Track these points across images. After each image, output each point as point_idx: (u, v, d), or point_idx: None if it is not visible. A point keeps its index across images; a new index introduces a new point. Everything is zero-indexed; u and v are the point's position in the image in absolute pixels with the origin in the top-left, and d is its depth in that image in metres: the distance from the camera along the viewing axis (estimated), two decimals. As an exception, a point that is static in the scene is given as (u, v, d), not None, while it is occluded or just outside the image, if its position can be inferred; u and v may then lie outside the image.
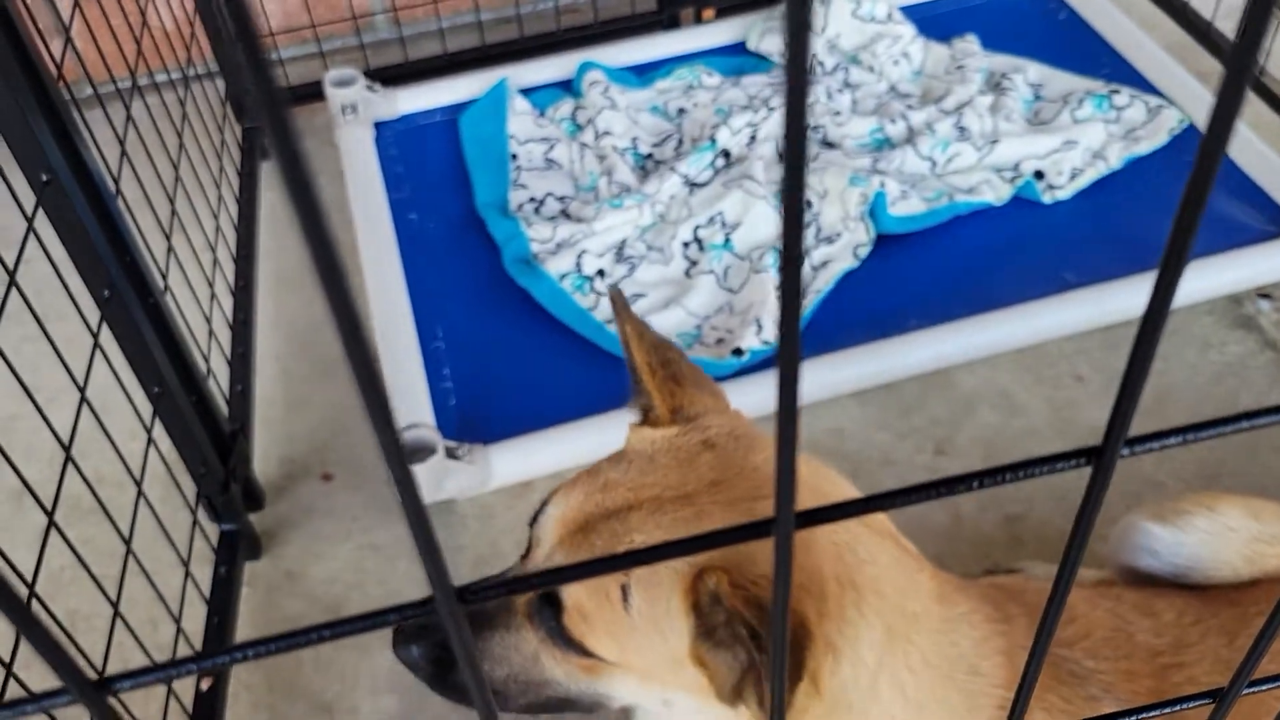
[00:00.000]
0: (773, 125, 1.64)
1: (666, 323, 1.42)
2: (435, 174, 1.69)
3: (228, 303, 1.48)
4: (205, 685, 1.13)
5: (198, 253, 1.38)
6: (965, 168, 1.60)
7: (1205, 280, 1.41)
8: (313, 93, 1.76)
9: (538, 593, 0.70)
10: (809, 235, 1.51)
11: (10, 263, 0.87)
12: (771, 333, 1.38)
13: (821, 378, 1.33)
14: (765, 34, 1.84)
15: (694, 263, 1.51)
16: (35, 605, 0.86)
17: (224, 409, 1.30)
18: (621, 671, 0.69)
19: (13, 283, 0.87)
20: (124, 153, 1.16)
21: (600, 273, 1.49)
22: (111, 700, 0.29)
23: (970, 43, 1.79)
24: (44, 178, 0.94)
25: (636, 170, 1.64)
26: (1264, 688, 0.42)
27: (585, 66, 1.79)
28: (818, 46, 1.80)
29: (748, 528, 0.29)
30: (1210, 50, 1.70)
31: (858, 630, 0.64)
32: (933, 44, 1.81)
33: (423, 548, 0.26)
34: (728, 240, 1.51)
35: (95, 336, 0.99)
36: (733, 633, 0.62)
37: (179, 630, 1.09)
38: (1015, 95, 1.67)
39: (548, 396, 1.36)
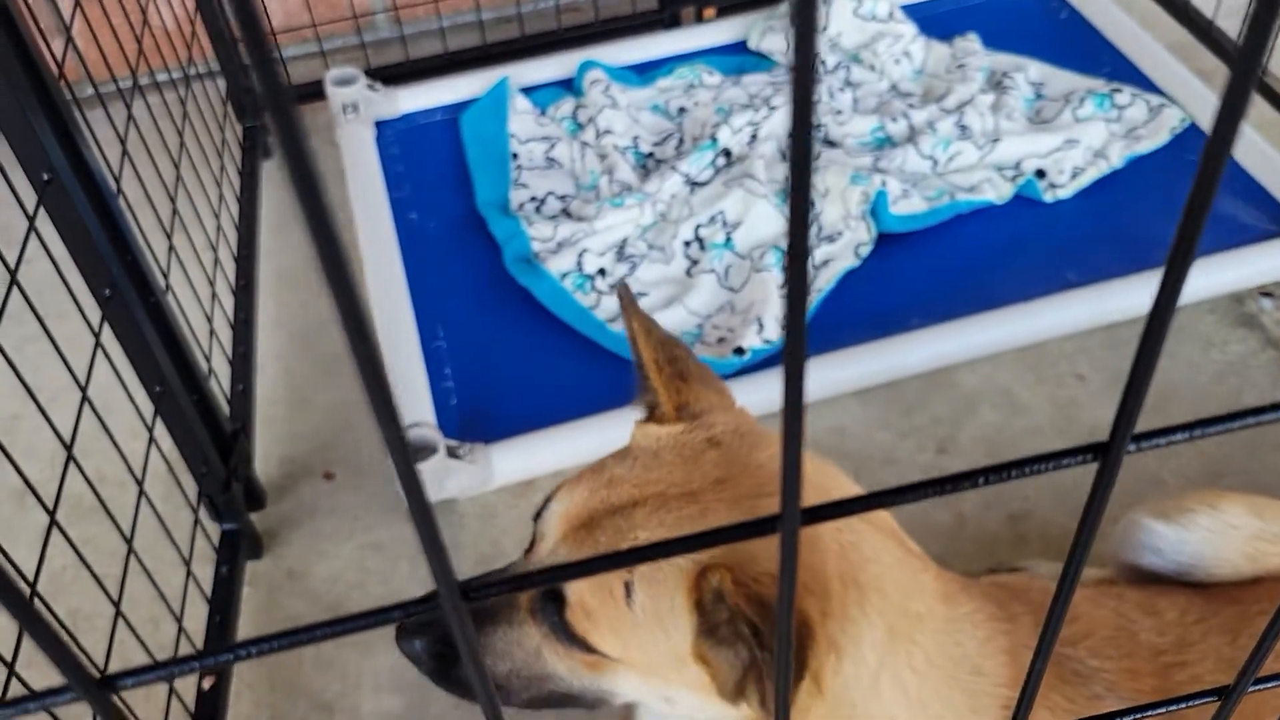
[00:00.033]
0: (773, 124, 1.64)
1: (668, 322, 1.42)
2: (436, 173, 1.69)
3: (229, 302, 1.48)
4: (207, 684, 1.13)
5: (199, 252, 1.38)
6: (967, 166, 1.60)
7: (1207, 279, 1.41)
8: (314, 92, 1.76)
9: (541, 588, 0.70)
10: (810, 234, 1.51)
11: (12, 262, 0.87)
12: (772, 332, 1.37)
13: (823, 377, 1.33)
14: (766, 33, 1.84)
15: (695, 262, 1.51)
16: (37, 604, 0.86)
17: (225, 408, 1.30)
18: (624, 668, 0.69)
19: (14, 282, 0.87)
20: (125, 152, 1.16)
21: (601, 272, 1.49)
22: (114, 699, 0.29)
23: (971, 41, 1.79)
24: (45, 177, 0.94)
25: (637, 169, 1.64)
26: (1269, 685, 0.42)
27: (586, 65, 1.79)
28: (819, 45, 1.80)
29: (752, 525, 0.29)
30: (1212, 49, 1.70)
31: (860, 629, 0.64)
32: (934, 43, 1.81)
33: (427, 542, 0.26)
34: (729, 239, 1.51)
35: (97, 336, 0.99)
36: (735, 630, 0.62)
37: (181, 629, 1.09)
38: (1017, 94, 1.67)
39: (549, 396, 1.36)
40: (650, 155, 1.68)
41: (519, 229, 1.53)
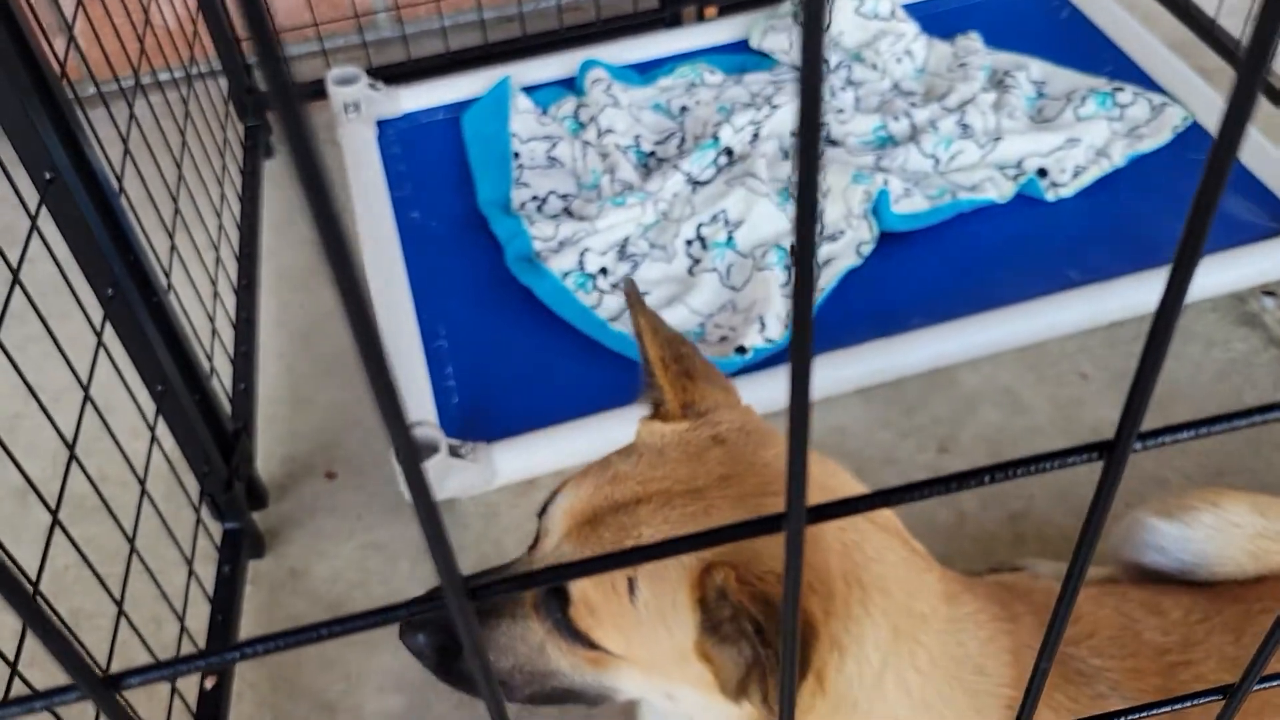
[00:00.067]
0: (775, 123, 1.64)
1: (670, 321, 1.39)
2: (438, 172, 1.69)
3: (231, 301, 1.48)
4: (209, 684, 1.13)
5: (201, 251, 1.38)
6: (968, 165, 1.59)
7: (1209, 278, 1.40)
8: (315, 91, 1.76)
9: (544, 587, 0.70)
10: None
11: (14, 261, 0.87)
12: (774, 330, 1.37)
13: (824, 376, 1.33)
14: (767, 32, 1.84)
15: (697, 261, 1.51)
16: (41, 604, 0.86)
17: (227, 407, 1.30)
18: (627, 664, 0.69)
19: (16, 281, 0.87)
20: (127, 151, 1.16)
21: (603, 271, 1.49)
22: (118, 697, 0.29)
23: (973, 40, 1.78)
24: (47, 176, 0.94)
25: (639, 168, 1.64)
26: (1274, 684, 0.42)
27: (587, 65, 1.79)
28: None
29: (757, 523, 0.29)
30: (1214, 47, 1.69)
31: (864, 628, 0.64)
32: (936, 41, 1.81)
33: (433, 541, 0.26)
34: (730, 238, 1.51)
35: (99, 335, 0.99)
36: (738, 628, 0.62)
37: (183, 628, 1.09)
38: (1018, 93, 1.67)
39: (551, 395, 1.36)
40: (652, 154, 1.68)
41: (520, 228, 1.53)
